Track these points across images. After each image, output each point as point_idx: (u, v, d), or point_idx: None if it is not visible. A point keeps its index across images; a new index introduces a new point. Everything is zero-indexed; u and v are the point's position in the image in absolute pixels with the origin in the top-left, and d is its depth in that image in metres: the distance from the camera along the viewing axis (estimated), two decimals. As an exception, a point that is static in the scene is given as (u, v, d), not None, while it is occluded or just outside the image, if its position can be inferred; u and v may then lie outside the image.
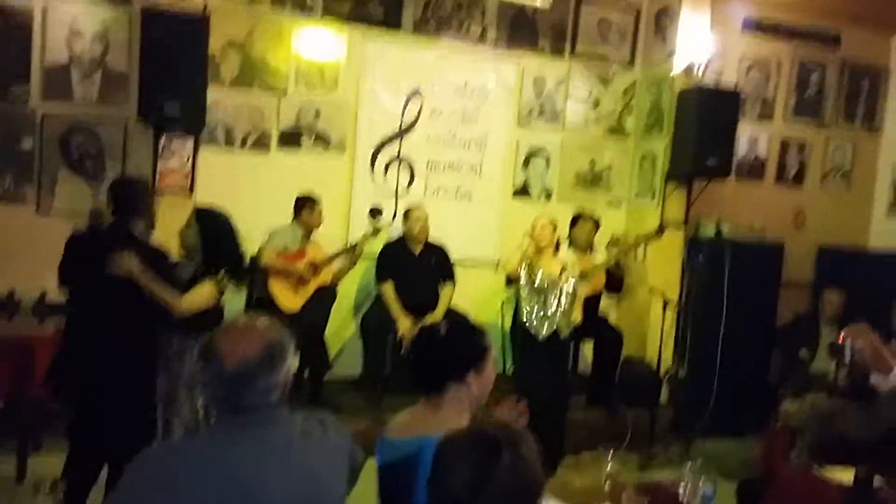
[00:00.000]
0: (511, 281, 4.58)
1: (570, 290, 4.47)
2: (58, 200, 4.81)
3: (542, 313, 4.43)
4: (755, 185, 6.68)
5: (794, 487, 3.22)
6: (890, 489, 3.01)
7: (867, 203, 7.02)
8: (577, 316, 4.68)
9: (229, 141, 5.28)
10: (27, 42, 4.74)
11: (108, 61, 4.90)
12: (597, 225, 5.57)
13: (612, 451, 2.57)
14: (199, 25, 4.52)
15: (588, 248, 5.51)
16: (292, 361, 1.84)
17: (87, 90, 4.89)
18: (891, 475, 3.09)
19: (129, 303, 3.14)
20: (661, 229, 5.54)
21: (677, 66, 5.91)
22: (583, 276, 5.26)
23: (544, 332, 4.43)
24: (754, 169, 6.69)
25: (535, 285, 4.42)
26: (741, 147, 6.56)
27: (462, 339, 2.17)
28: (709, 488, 2.44)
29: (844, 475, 3.06)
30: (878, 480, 3.00)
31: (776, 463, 3.81)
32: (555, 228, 4.63)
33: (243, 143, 5.31)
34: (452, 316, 5.20)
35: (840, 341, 2.10)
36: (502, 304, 5.31)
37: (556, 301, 4.43)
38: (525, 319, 4.45)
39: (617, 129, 6.36)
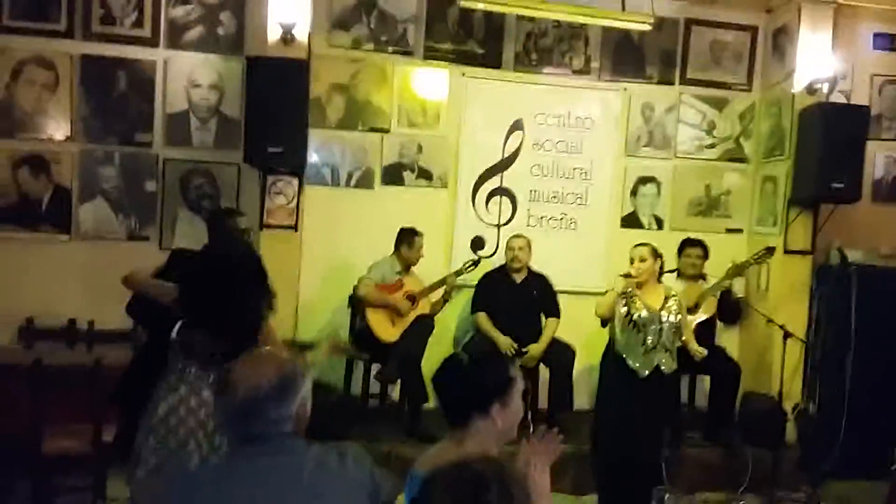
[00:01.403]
0: (606, 322, 4.41)
1: (673, 323, 4.25)
2: (177, 238, 5.20)
3: (641, 349, 4.23)
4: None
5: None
6: None
7: None
8: (689, 337, 4.41)
9: (335, 179, 5.51)
10: (151, 92, 5.21)
11: (222, 108, 5.29)
12: (705, 251, 5.27)
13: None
14: (300, 71, 4.77)
15: (699, 276, 5.25)
16: (308, 394, 1.87)
17: (204, 135, 5.30)
18: None
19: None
20: (770, 250, 5.22)
21: (798, 86, 5.58)
22: (692, 306, 5.05)
23: (644, 369, 4.21)
24: (894, 191, 6.17)
25: (634, 320, 4.23)
26: (877, 169, 6.11)
27: (486, 371, 2.15)
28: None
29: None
30: None
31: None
32: (657, 257, 4.41)
33: (348, 180, 5.53)
34: (553, 345, 5.19)
35: None
36: (610, 336, 5.17)
37: (657, 336, 4.22)
38: (623, 356, 4.27)
39: (735, 154, 6.08)
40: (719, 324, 5.54)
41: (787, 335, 5.13)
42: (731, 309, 5.31)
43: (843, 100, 5.78)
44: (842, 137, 5.30)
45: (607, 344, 4.38)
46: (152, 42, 5.22)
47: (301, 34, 4.94)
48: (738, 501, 4.82)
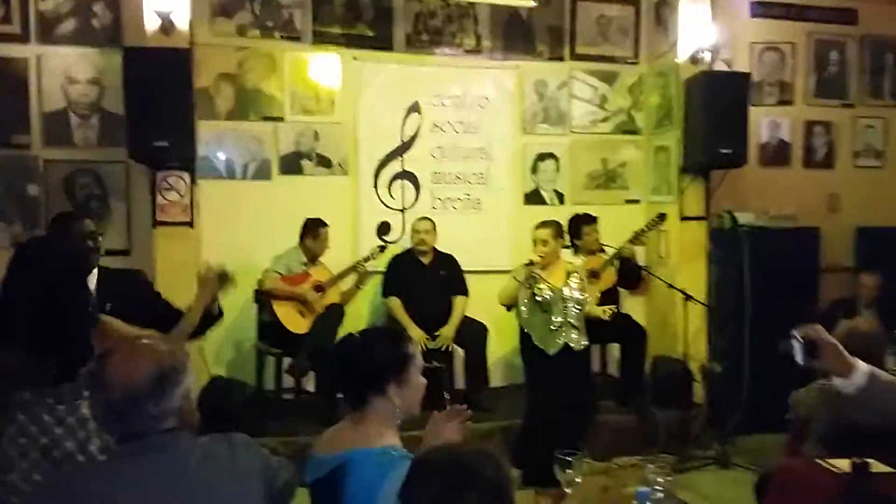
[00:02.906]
0: (510, 307, 4.43)
1: (577, 299, 4.29)
2: (66, 242, 4.93)
3: (548, 329, 4.25)
4: (782, 170, 6.42)
5: (794, 477, 3.04)
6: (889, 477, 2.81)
7: (906, 180, 6.68)
8: (591, 307, 4.43)
9: (230, 172, 5.36)
10: (24, 91, 4.93)
11: (104, 104, 5.05)
12: (590, 220, 5.41)
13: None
14: (181, 61, 4.57)
15: (597, 249, 5.36)
16: (191, 385, 1.78)
17: (86, 134, 5.05)
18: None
19: None
20: (661, 216, 5.42)
21: (682, 56, 5.74)
22: (593, 276, 5.15)
23: (552, 348, 4.23)
24: (779, 154, 6.44)
25: (538, 300, 4.26)
26: (762, 133, 6.36)
27: (379, 350, 2.08)
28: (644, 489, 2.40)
29: (846, 463, 2.87)
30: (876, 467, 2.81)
31: (787, 454, 3.62)
32: (559, 236, 4.42)
33: (244, 172, 5.39)
34: (465, 325, 5.19)
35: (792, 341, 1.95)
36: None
37: (562, 314, 4.26)
38: (532, 337, 4.27)
39: (628, 127, 6.22)
40: (623, 293, 5.69)
41: (687, 298, 5.31)
42: (629, 274, 5.43)
43: (725, 68, 5.99)
44: (725, 105, 5.45)
45: (520, 328, 4.39)
46: (22, 38, 4.93)
47: (181, 23, 4.74)
48: (652, 463, 4.95)
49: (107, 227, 4.90)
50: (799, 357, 1.83)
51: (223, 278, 3.15)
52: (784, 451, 4.19)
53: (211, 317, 3.20)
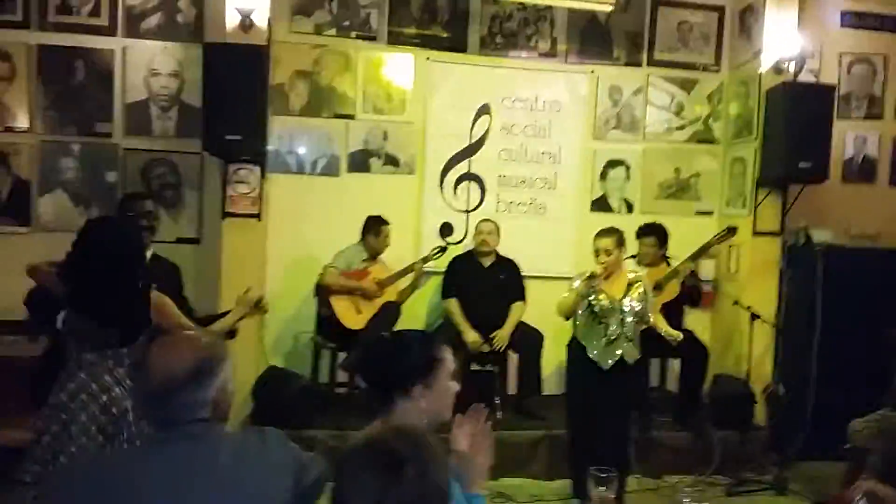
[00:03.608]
0: (569, 317, 4.35)
1: (636, 311, 4.18)
2: (140, 228, 5.13)
3: (603, 340, 4.14)
4: (867, 188, 6.15)
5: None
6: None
7: None
8: (658, 320, 4.36)
9: (300, 167, 5.47)
10: (109, 82, 5.15)
11: (183, 97, 5.23)
12: (660, 236, 5.22)
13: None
14: (258, 57, 4.69)
15: (660, 260, 5.22)
16: (228, 378, 1.83)
17: (164, 125, 5.24)
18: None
19: None
20: (731, 230, 5.24)
21: (765, 65, 5.55)
22: (656, 288, 5.01)
23: (606, 360, 4.11)
24: (864, 171, 6.17)
25: (595, 311, 4.17)
26: (847, 148, 6.10)
27: (407, 351, 2.08)
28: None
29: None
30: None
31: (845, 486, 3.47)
32: (621, 245, 4.31)
33: (313, 168, 5.48)
34: (521, 330, 5.15)
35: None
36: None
37: (619, 326, 4.16)
38: (587, 348, 4.16)
39: (704, 136, 6.05)
40: (683, 309, 5.54)
41: (754, 317, 5.14)
42: (690, 293, 5.29)
43: (812, 79, 5.76)
44: (808, 117, 5.24)
45: (573, 332, 4.33)
46: (110, 31, 5.15)
47: (260, 20, 4.86)
48: (706, 484, 4.85)
49: (179, 216, 5.12)
50: None
51: (258, 305, 3.35)
52: (842, 482, 4.02)
53: (230, 334, 3.35)
